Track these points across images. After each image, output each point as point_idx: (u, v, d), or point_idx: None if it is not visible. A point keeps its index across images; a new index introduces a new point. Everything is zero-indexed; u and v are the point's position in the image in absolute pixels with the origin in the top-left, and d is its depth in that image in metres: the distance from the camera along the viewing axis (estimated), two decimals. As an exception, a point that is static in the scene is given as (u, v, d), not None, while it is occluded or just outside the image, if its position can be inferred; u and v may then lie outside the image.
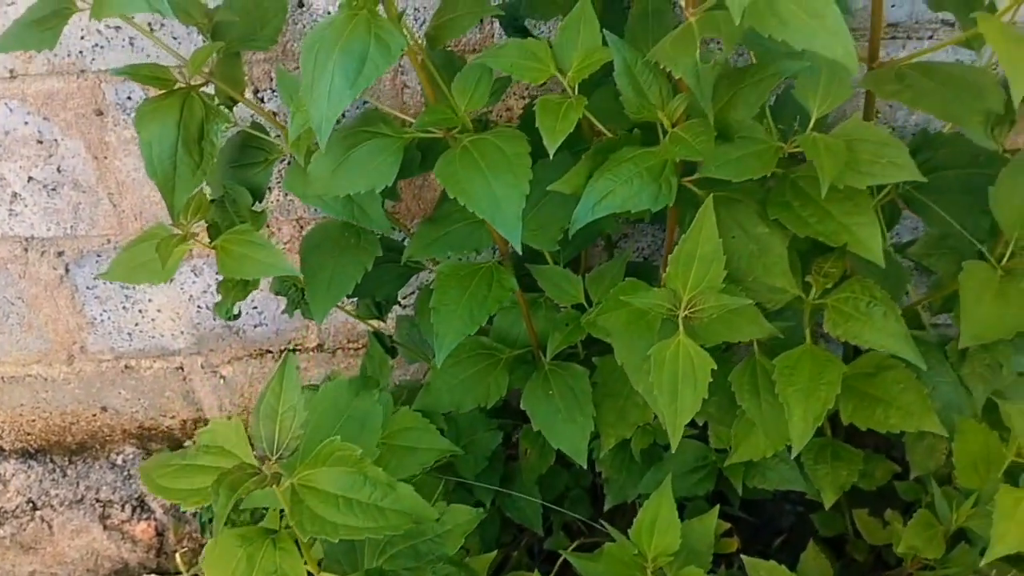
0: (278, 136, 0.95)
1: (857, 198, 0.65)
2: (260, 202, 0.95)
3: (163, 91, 0.81)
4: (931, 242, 0.82)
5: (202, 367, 1.39)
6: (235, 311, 0.91)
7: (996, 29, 0.54)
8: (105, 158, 1.14)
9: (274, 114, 1.06)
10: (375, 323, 1.15)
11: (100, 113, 1.10)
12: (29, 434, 1.52)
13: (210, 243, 0.88)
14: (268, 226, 1.20)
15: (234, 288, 0.88)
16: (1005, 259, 0.74)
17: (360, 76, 0.61)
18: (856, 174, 0.63)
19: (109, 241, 1.23)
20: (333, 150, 0.74)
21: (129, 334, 1.34)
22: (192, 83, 0.83)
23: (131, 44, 1.02)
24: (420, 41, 0.77)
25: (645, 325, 0.69)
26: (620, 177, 0.66)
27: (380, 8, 0.63)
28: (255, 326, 1.33)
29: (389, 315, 1.13)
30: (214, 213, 0.92)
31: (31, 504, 1.51)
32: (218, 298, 0.93)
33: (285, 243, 1.22)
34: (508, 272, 0.79)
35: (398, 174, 0.73)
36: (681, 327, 0.67)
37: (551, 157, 0.66)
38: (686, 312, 0.67)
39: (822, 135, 0.63)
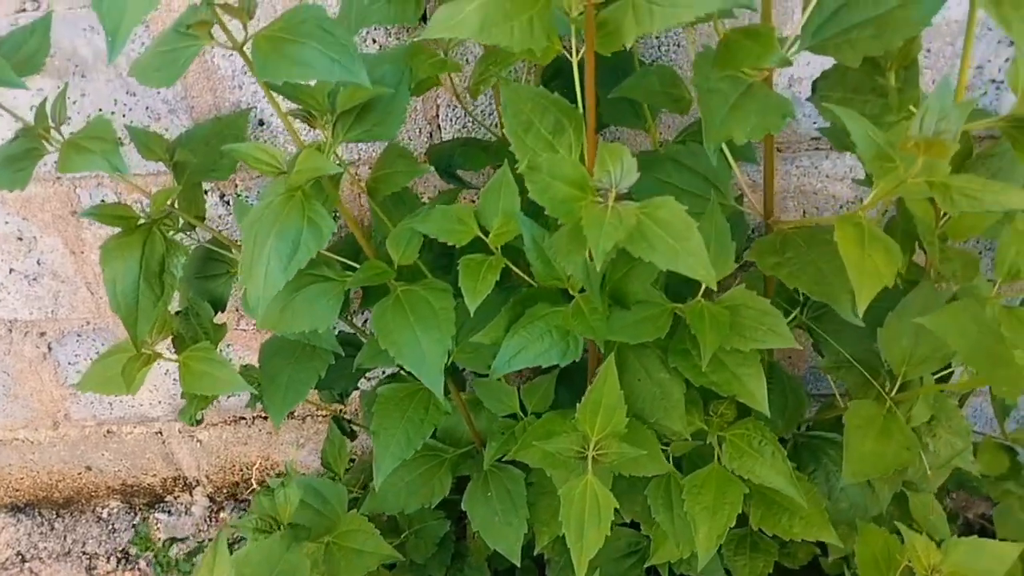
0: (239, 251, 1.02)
1: (748, 352, 0.73)
2: (222, 311, 1.02)
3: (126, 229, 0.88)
4: (835, 361, 0.89)
5: (180, 432, 1.46)
6: (198, 417, 0.98)
7: (849, 234, 0.61)
8: (82, 252, 1.21)
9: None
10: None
11: (75, 213, 1.17)
12: (18, 490, 1.59)
13: (174, 355, 0.95)
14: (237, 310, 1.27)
15: (196, 399, 0.96)
16: (894, 391, 0.82)
17: (293, 261, 0.68)
18: (740, 338, 0.71)
19: (88, 323, 1.30)
20: (280, 292, 0.81)
21: (110, 403, 1.42)
22: (154, 217, 0.90)
23: (103, 154, 1.09)
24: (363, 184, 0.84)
25: (559, 461, 0.76)
26: (532, 334, 0.73)
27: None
28: (228, 396, 1.40)
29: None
30: (179, 324, 0.99)
31: (20, 556, 1.58)
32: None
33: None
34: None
35: (340, 311, 0.80)
36: (589, 467, 0.74)
37: (471, 315, 0.74)
38: (594, 453, 0.74)
39: (708, 304, 0.71)
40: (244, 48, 0.67)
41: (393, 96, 0.73)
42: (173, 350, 0.97)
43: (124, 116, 1.07)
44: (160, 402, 1.42)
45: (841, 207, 1.13)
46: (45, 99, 0.88)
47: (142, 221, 0.89)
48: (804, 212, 1.15)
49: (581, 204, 0.59)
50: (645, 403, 0.76)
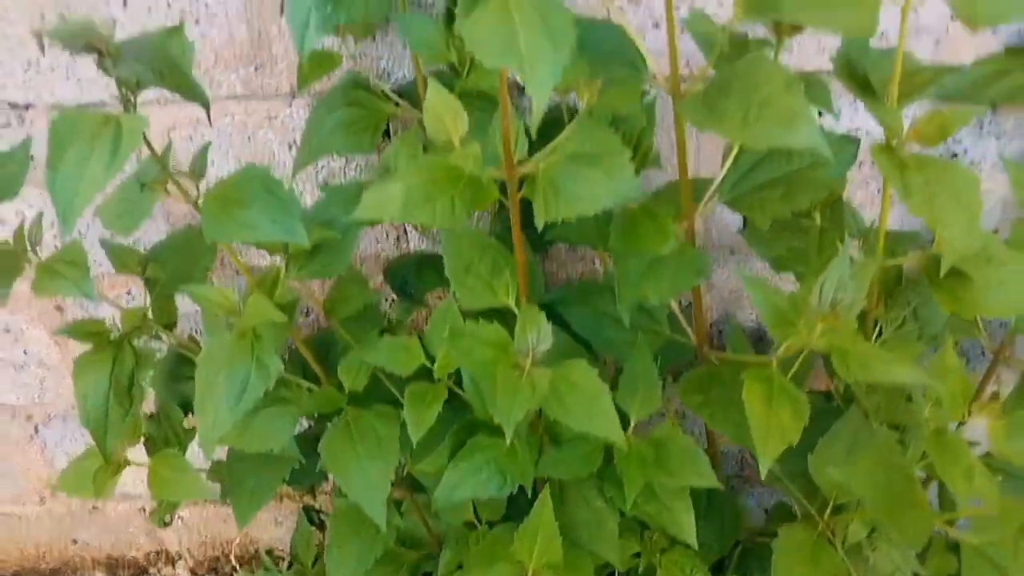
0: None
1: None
2: (193, 415, 1.06)
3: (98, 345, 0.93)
4: (774, 475, 0.92)
5: (162, 509, 1.50)
6: (167, 519, 1.02)
7: (756, 392, 0.65)
8: (66, 343, 1.26)
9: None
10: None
11: (60, 309, 1.22)
12: (5, 561, 1.63)
13: (145, 458, 0.99)
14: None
15: (165, 503, 0.99)
16: (827, 515, 0.85)
17: (241, 402, 0.72)
18: (666, 475, 0.74)
19: (74, 407, 1.35)
20: (238, 415, 0.85)
21: (94, 482, 1.46)
22: (125, 332, 0.94)
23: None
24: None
25: (500, 586, 0.80)
26: (472, 466, 0.77)
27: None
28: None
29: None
30: (150, 427, 1.03)
31: (7, 627, 1.62)
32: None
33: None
34: (393, 513, 0.90)
35: (304, 454, 0.84)
36: (527, 594, 0.77)
37: (414, 445, 0.77)
38: (532, 580, 0.78)
39: (636, 440, 0.74)
40: (197, 203, 0.71)
41: (342, 239, 0.78)
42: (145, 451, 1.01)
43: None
44: (143, 480, 1.45)
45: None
46: (23, 223, 0.93)
47: (113, 336, 0.94)
48: (725, 312, 1.18)
49: (501, 365, 0.63)
50: (582, 530, 0.79)
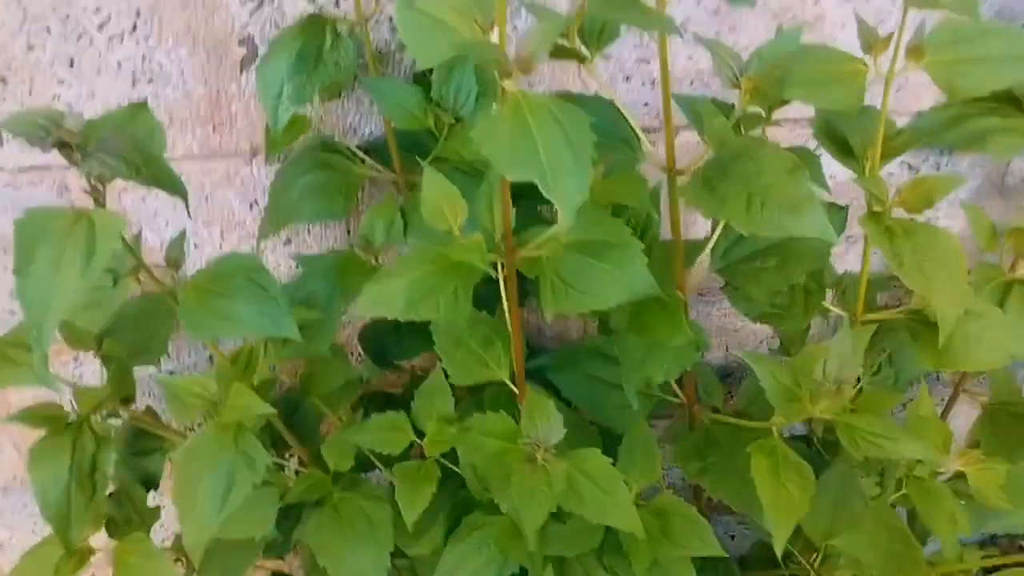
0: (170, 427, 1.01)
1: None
2: (156, 489, 1.00)
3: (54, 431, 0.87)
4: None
5: None
6: (135, 605, 0.96)
7: (764, 467, 0.65)
8: (5, 409, 1.18)
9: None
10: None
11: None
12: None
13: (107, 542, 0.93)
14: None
15: (132, 589, 0.94)
16: (818, 563, 0.85)
17: (228, 501, 0.68)
18: (671, 545, 0.73)
19: (15, 477, 1.27)
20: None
21: (39, 551, 1.38)
22: (82, 415, 0.89)
23: (28, 324, 1.08)
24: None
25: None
26: (470, 547, 0.75)
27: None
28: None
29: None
30: (111, 507, 0.97)
31: None
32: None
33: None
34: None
35: (276, 523, 0.80)
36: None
37: (409, 528, 0.75)
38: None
39: (641, 513, 0.73)
40: (174, 294, 0.67)
41: (323, 318, 0.74)
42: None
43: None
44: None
45: (761, 342, 1.18)
46: (-33, 301, 0.86)
47: (71, 419, 0.88)
48: (727, 348, 1.19)
49: (511, 458, 0.61)
50: (585, 602, 0.78)
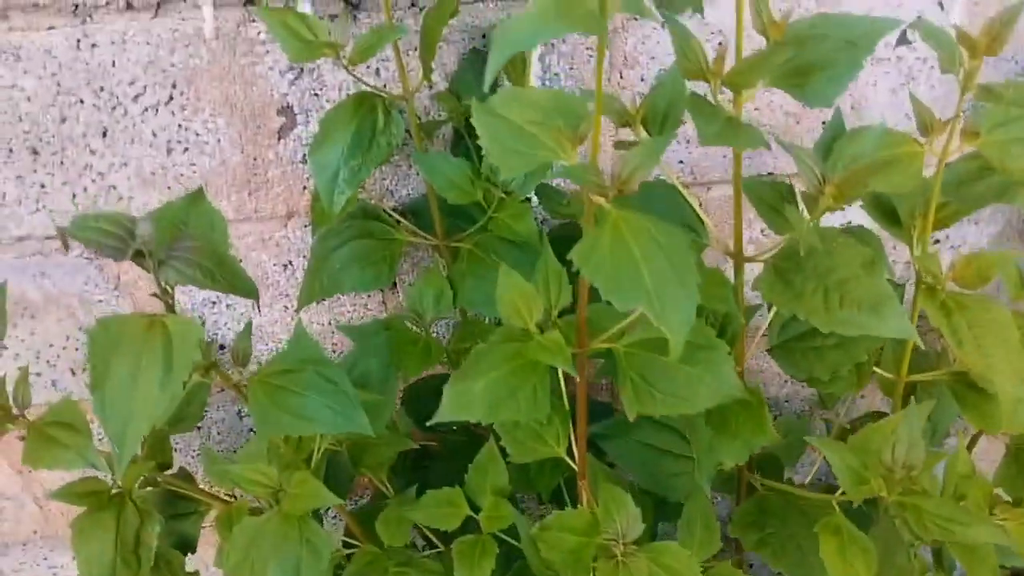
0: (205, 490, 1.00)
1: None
2: (193, 552, 0.99)
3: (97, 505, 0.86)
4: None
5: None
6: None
7: (831, 545, 0.65)
8: (29, 472, 1.16)
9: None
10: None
11: (23, 438, 1.12)
12: None
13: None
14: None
15: (175, 660, 0.93)
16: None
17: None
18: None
19: (36, 532, 1.25)
20: None
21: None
22: (126, 489, 0.87)
23: (53, 385, 1.06)
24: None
25: None
26: (532, 623, 0.75)
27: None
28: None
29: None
30: (150, 574, 0.96)
31: None
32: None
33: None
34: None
35: None
36: None
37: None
38: None
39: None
40: (240, 386, 0.67)
41: (380, 399, 0.74)
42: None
43: (77, 350, 1.04)
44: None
45: (786, 382, 1.19)
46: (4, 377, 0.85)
47: (112, 493, 0.87)
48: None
49: (589, 552, 0.61)
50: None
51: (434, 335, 0.84)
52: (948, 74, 0.68)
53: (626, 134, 0.65)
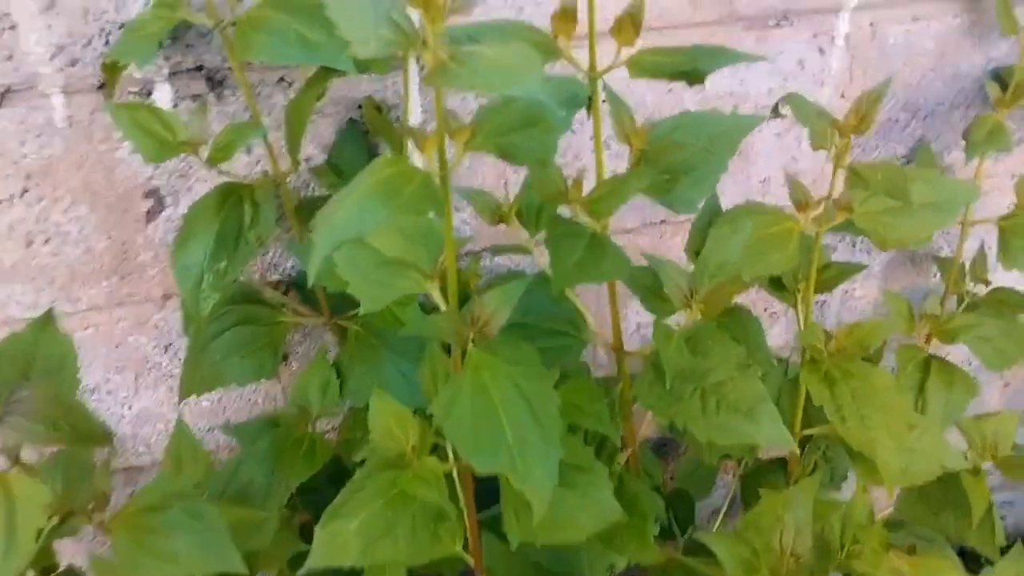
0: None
1: None
2: None
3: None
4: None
5: None
6: None
7: None
8: None
9: None
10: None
11: None
12: None
13: None
14: None
15: None
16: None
17: None
18: None
19: None
20: None
21: None
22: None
23: None
24: None
25: None
26: None
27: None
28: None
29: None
30: None
31: None
32: None
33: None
34: None
35: None
36: None
37: None
38: None
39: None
40: (106, 528, 0.62)
41: (261, 515, 0.70)
42: None
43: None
44: None
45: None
46: None
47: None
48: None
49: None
50: None
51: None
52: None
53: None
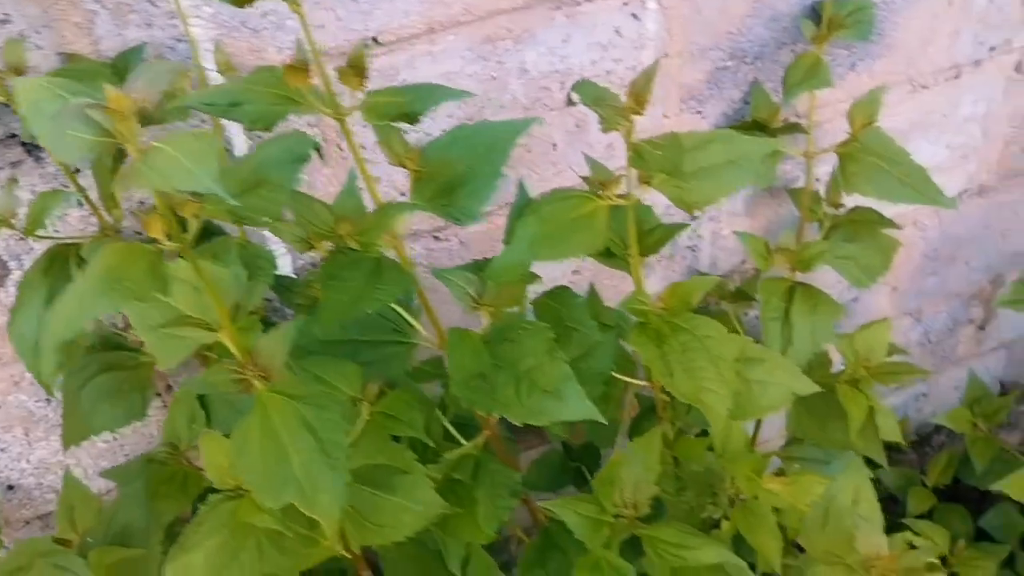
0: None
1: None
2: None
3: None
4: None
5: None
6: None
7: None
8: None
9: None
10: None
11: None
12: None
13: None
14: None
15: None
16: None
17: None
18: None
19: None
20: None
21: None
22: None
23: None
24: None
25: None
26: None
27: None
28: None
29: None
30: None
31: None
32: None
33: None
34: None
35: None
36: None
37: None
38: None
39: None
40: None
41: (141, 553, 0.73)
42: None
43: None
44: None
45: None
46: None
47: None
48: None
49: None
50: None
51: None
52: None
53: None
